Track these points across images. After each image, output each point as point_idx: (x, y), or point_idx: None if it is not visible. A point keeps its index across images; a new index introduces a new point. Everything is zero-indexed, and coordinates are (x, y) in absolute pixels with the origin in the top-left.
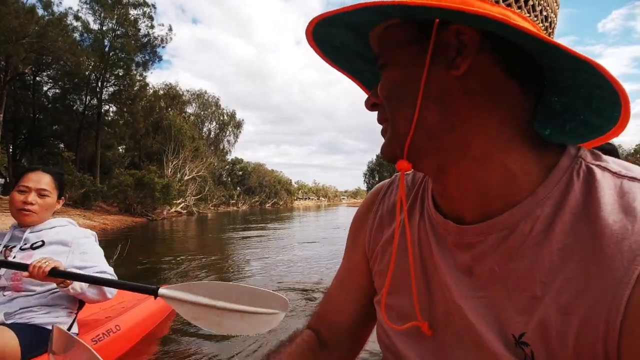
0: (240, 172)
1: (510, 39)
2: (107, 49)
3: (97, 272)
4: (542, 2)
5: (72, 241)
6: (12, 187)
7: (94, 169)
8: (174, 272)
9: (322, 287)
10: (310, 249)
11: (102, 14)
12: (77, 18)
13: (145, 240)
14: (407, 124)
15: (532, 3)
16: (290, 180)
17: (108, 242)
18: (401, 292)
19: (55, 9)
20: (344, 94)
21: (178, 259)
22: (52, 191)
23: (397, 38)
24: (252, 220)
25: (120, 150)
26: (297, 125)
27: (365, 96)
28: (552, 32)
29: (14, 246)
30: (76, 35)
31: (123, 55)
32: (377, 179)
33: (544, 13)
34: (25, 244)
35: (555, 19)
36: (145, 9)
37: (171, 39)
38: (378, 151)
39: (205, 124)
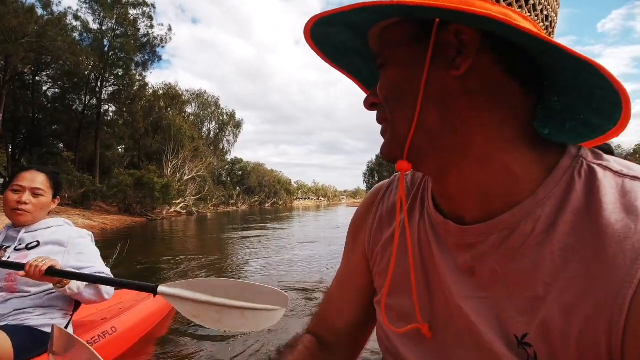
0: (240, 172)
1: (511, 39)
2: (106, 49)
3: (94, 273)
4: (542, 1)
5: (68, 241)
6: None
7: (93, 168)
8: (174, 272)
9: (322, 287)
10: (310, 249)
11: (102, 14)
12: (76, 18)
13: (145, 240)
14: (407, 125)
15: (532, 2)
16: (290, 180)
17: (107, 242)
18: (401, 292)
19: (54, 8)
20: (343, 94)
21: (177, 258)
22: (46, 190)
23: (396, 37)
24: (251, 220)
25: (120, 150)
26: (297, 125)
27: (365, 96)
28: (553, 31)
29: (9, 246)
30: (75, 35)
31: (122, 55)
32: (376, 179)
33: (545, 12)
34: (20, 244)
35: (555, 18)
36: (144, 8)
37: (171, 38)
38: (378, 151)
39: (205, 123)
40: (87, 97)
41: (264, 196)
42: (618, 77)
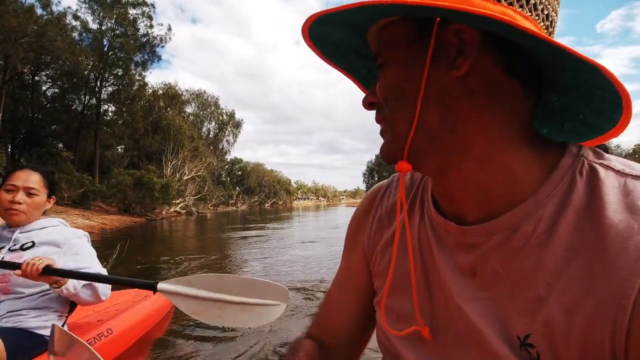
0: (240, 172)
1: (511, 39)
2: (106, 49)
3: None
4: (543, 0)
5: (64, 242)
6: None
7: (92, 168)
8: (173, 272)
9: (322, 287)
10: (310, 249)
11: (101, 14)
12: (76, 17)
13: (144, 240)
14: (407, 126)
15: (533, 2)
16: (290, 180)
17: (107, 242)
18: (401, 293)
19: (54, 8)
20: (343, 94)
21: (177, 258)
22: (41, 190)
23: (396, 37)
24: (251, 220)
25: (119, 150)
26: (296, 125)
27: (363, 95)
28: (553, 30)
29: (3, 247)
30: (75, 34)
31: (122, 55)
32: (376, 178)
33: (545, 12)
34: (15, 245)
35: (556, 17)
36: (144, 8)
37: (170, 38)
38: (377, 151)
39: (205, 123)
40: (87, 97)
41: (264, 196)
42: (617, 78)
